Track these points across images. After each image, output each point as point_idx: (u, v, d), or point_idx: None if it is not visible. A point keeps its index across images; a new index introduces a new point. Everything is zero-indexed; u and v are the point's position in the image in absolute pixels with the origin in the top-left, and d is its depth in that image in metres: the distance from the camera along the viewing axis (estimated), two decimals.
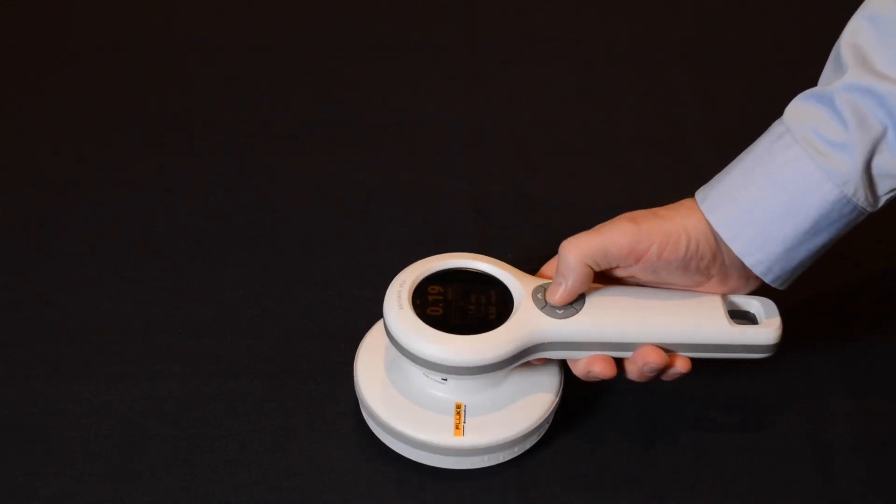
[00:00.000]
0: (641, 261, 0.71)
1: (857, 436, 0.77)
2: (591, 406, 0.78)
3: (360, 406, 0.75)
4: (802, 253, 0.70)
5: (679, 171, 0.98)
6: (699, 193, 0.72)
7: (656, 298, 0.72)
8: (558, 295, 0.71)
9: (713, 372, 0.78)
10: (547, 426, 0.75)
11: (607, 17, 1.17)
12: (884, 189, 0.69)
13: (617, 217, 0.72)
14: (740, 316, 0.74)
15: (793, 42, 1.13)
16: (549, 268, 0.75)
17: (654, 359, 0.70)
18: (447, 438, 0.72)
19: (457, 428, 0.72)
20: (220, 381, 0.79)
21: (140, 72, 1.08)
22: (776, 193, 0.69)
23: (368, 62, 1.09)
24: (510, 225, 0.93)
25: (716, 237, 0.71)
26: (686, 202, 0.72)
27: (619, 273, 0.73)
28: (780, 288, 0.72)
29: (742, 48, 1.13)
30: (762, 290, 0.74)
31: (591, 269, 0.71)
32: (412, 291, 0.72)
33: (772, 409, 0.79)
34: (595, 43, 1.13)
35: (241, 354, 0.81)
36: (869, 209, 0.69)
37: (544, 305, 0.71)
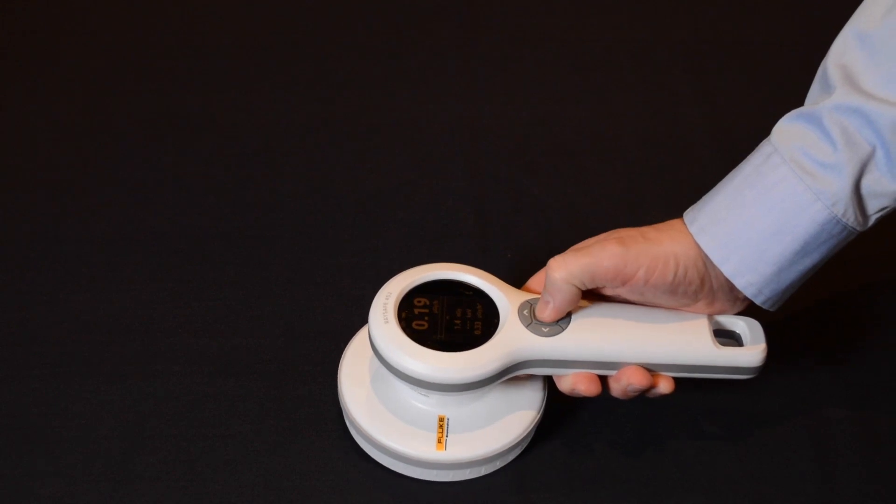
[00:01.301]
0: (628, 284, 0.71)
1: (858, 437, 0.77)
2: (591, 409, 0.78)
3: (344, 415, 0.75)
4: (793, 274, 0.70)
5: (679, 171, 0.98)
6: (687, 215, 0.72)
7: (642, 319, 0.72)
8: (546, 313, 0.71)
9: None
10: (530, 438, 0.75)
11: (607, 17, 1.17)
12: (873, 208, 0.68)
13: (605, 235, 0.72)
14: (726, 335, 0.74)
15: (793, 43, 1.13)
16: (534, 281, 0.75)
17: (638, 380, 0.71)
18: (429, 452, 0.72)
19: (439, 442, 0.72)
20: (220, 381, 0.79)
21: (140, 72, 1.08)
22: (766, 215, 0.68)
23: (369, 62, 1.09)
24: (510, 225, 0.93)
25: (705, 262, 0.70)
26: (675, 223, 0.72)
27: (607, 292, 0.73)
28: (771, 309, 0.72)
29: (742, 48, 1.13)
30: (748, 309, 0.74)
31: (578, 288, 0.71)
32: (398, 303, 0.72)
33: (771, 412, 0.79)
34: (595, 43, 1.13)
35: (241, 354, 0.81)
36: (859, 228, 0.68)
37: (530, 322, 0.71)
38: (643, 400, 0.78)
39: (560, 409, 0.77)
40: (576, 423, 0.77)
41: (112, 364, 0.80)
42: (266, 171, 0.97)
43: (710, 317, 0.73)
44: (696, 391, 0.79)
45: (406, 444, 0.72)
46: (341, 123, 1.03)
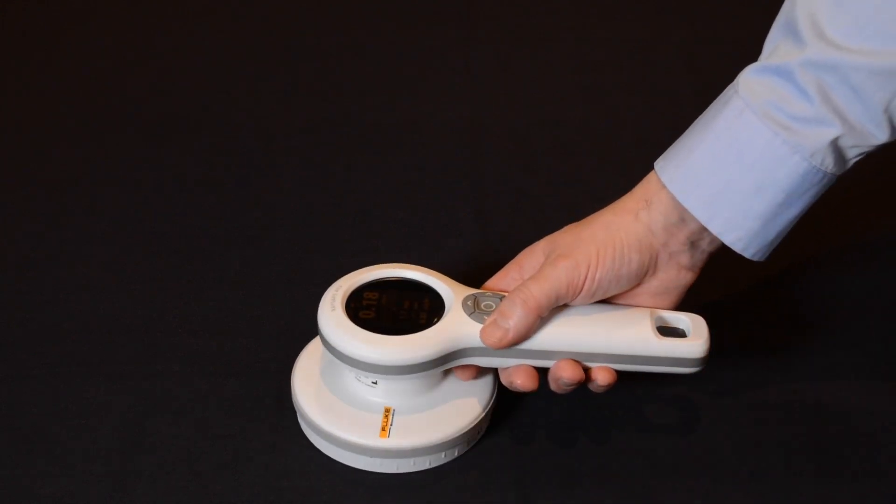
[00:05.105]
0: (583, 292, 0.71)
1: (858, 437, 0.77)
2: (589, 409, 0.78)
3: (298, 414, 0.76)
4: (779, 225, 0.70)
5: None
6: (663, 174, 0.72)
7: (585, 311, 0.73)
8: (499, 338, 0.70)
9: (708, 372, 0.78)
10: (480, 434, 0.75)
11: (607, 17, 1.17)
12: (852, 154, 0.69)
13: (546, 256, 0.72)
14: (670, 333, 0.73)
15: None
16: (497, 280, 0.75)
17: (568, 374, 0.70)
18: (372, 440, 0.72)
19: (383, 430, 0.72)
20: (220, 381, 0.79)
21: (140, 72, 1.08)
22: (746, 173, 0.69)
23: (368, 62, 1.10)
24: (510, 225, 0.93)
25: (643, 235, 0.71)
26: (628, 202, 0.74)
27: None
28: (760, 261, 0.72)
29: (742, 48, 1.13)
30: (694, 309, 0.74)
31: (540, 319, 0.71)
32: (347, 296, 0.73)
33: (771, 412, 0.78)
34: (595, 43, 1.13)
35: (241, 354, 0.81)
36: (839, 173, 0.69)
37: (472, 312, 0.72)
38: (643, 399, 0.78)
39: (559, 409, 0.77)
40: (574, 423, 0.77)
41: (112, 364, 0.80)
42: (266, 171, 0.97)
43: (652, 311, 0.73)
44: (696, 392, 0.79)
45: (349, 432, 0.72)
46: (341, 123, 1.03)
